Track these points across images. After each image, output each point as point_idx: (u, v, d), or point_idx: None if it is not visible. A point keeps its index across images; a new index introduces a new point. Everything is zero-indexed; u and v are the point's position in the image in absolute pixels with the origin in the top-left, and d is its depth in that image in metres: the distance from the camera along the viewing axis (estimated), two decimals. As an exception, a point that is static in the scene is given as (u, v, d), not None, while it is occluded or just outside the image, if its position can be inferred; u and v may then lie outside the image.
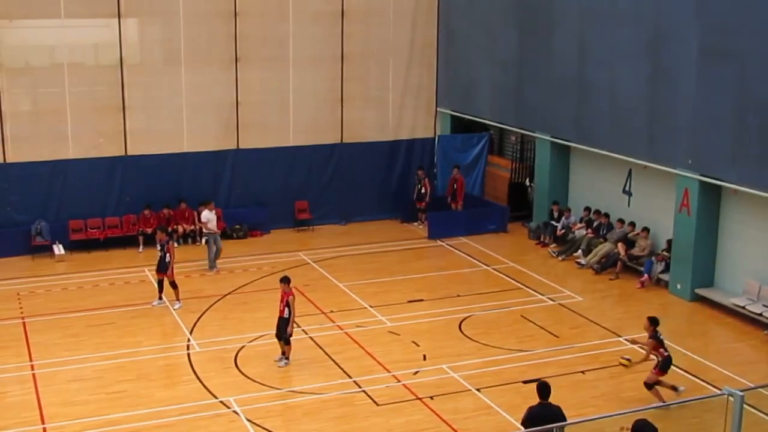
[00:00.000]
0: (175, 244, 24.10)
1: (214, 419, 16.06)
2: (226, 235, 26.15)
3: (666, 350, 16.48)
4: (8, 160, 25.40)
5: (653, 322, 16.49)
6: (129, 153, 26.54)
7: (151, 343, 19.49)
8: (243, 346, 19.13)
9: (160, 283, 21.59)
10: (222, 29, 26.91)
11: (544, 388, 13.15)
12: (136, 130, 26.59)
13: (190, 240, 26.69)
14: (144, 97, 26.60)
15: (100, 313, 21.19)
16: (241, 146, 27.66)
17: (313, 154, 28.40)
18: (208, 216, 24.32)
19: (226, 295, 22.46)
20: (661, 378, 16.53)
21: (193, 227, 26.70)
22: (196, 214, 26.64)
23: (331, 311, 21.23)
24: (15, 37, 25.69)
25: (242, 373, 17.91)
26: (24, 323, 20.57)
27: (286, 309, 18.00)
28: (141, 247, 25.96)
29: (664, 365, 16.45)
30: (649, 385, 16.47)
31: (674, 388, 16.65)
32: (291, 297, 18.06)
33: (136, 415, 16.16)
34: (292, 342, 18.28)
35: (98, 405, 16.59)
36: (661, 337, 16.53)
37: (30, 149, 25.61)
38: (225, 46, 27.02)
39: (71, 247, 25.67)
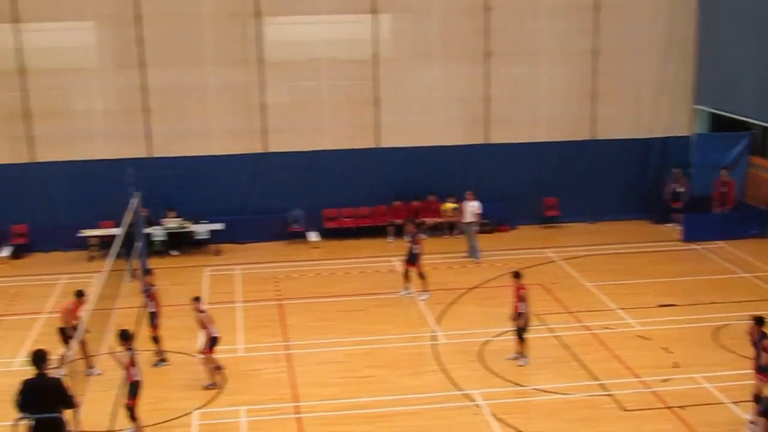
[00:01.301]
0: (423, 236, 24.44)
1: (457, 411, 16.14)
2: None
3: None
4: (269, 150, 26.71)
5: (759, 322, 15.27)
6: (380, 145, 27.21)
7: (398, 332, 19.85)
8: (488, 341, 19.09)
9: (408, 274, 21.95)
10: (473, 24, 27.00)
11: None
12: (387, 123, 27.22)
13: (438, 232, 27.02)
14: (395, 91, 27.14)
15: (350, 299, 21.87)
16: (489, 141, 27.65)
17: (563, 150, 27.92)
18: (463, 206, 24.68)
19: (472, 288, 22.54)
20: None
21: (441, 220, 27.03)
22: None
23: (578, 311, 20.80)
24: (277, 32, 26.91)
25: (486, 367, 17.88)
26: (280, 305, 21.57)
27: (520, 304, 17.82)
28: (390, 237, 26.55)
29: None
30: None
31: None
32: (523, 291, 17.86)
33: (382, 401, 16.54)
34: (531, 339, 18.05)
35: (347, 388, 17.10)
36: None
37: (289, 140, 26.83)
38: (476, 41, 27.08)
39: (325, 234, 26.67)
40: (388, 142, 27.22)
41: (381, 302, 21.63)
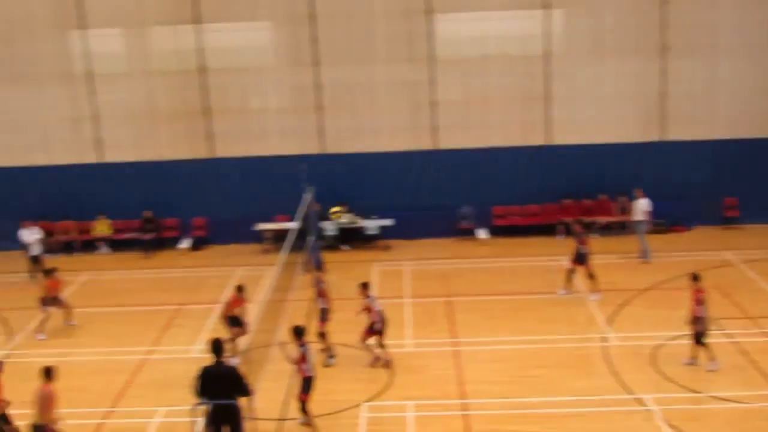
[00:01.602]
0: (593, 236, 23.96)
1: (627, 415, 15.71)
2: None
3: None
4: (439, 147, 26.81)
5: None
6: (551, 142, 26.83)
7: (567, 332, 19.52)
8: (661, 344, 18.49)
9: (571, 274, 21.59)
10: (648, 18, 26.22)
11: None
12: (558, 119, 26.82)
13: (610, 231, 26.42)
14: (567, 87, 26.72)
15: (518, 297, 21.67)
16: (665, 138, 26.80)
17: (744, 148, 26.68)
18: (633, 205, 24.26)
19: (644, 290, 21.91)
20: None
21: (613, 219, 26.42)
22: (616, 205, 26.44)
23: (759, 317, 19.85)
24: (448, 29, 26.86)
25: (659, 371, 17.32)
26: (449, 302, 21.60)
27: (698, 308, 17.17)
28: (560, 235, 26.17)
29: None
30: None
31: None
32: (702, 294, 17.19)
33: (550, 402, 16.28)
34: (708, 344, 17.35)
35: (514, 387, 16.94)
36: None
37: (459, 136, 26.85)
38: (651, 35, 26.29)
39: (493, 232, 26.57)
40: (559, 139, 26.82)
41: (550, 302, 21.33)
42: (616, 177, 26.62)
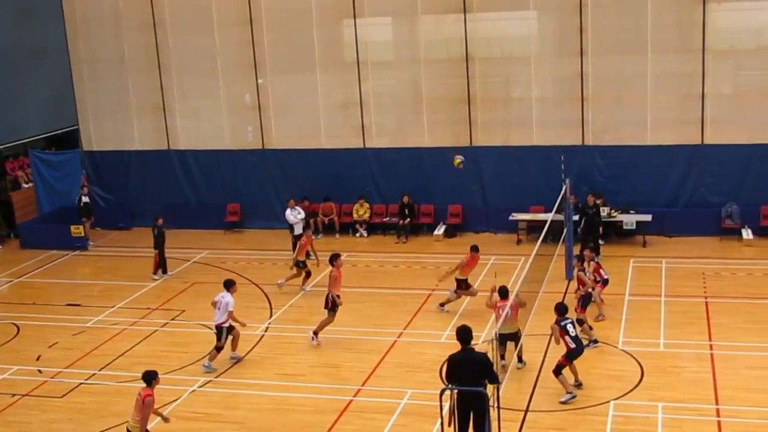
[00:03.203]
0: None
1: None
2: None
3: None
4: (706, 142, 25.65)
5: None
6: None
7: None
8: None
9: None
10: None
11: None
12: None
13: None
14: None
15: (786, 303, 20.45)
16: None
17: None
18: None
19: None
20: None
21: None
22: None
23: None
24: (722, 20, 25.56)
25: None
26: (706, 303, 20.71)
27: None
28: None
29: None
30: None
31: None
32: None
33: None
34: None
35: (774, 396, 16.03)
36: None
37: (728, 132, 25.52)
38: None
39: (760, 232, 25.11)
40: None
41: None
42: None
